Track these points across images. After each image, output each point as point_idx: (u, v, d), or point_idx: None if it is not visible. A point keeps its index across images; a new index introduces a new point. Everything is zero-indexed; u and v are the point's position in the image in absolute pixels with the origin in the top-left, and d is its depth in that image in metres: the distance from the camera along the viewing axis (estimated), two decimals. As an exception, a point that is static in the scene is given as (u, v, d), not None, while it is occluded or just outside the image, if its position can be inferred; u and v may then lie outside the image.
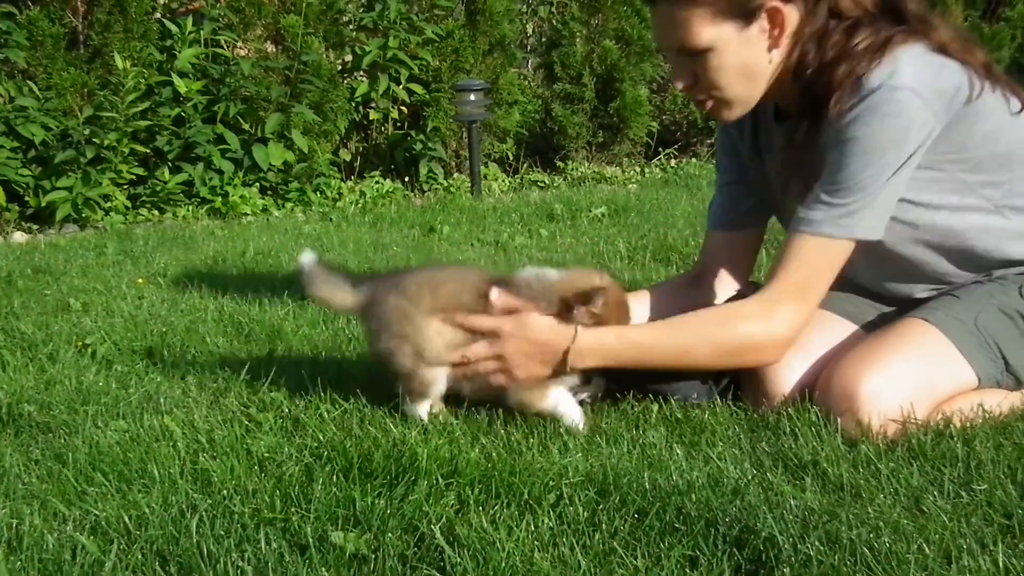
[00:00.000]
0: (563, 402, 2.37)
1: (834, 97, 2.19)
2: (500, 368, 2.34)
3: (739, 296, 2.55)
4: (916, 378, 2.25)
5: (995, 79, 2.28)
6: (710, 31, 2.24)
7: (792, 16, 2.24)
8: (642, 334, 2.39)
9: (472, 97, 6.84)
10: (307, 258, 2.56)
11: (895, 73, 2.15)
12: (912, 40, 2.21)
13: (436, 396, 2.44)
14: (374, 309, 2.46)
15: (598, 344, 2.32)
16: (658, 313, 2.67)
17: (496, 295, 2.36)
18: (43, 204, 6.18)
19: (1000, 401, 2.31)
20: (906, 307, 2.45)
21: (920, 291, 2.47)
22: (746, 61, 2.28)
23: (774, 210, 2.69)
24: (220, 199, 6.55)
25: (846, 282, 2.62)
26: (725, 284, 2.77)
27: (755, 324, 2.30)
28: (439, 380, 2.41)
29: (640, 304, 2.69)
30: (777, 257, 2.33)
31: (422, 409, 2.42)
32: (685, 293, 2.76)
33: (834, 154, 2.22)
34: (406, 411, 2.41)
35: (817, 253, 2.27)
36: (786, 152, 2.40)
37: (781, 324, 2.29)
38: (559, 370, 2.33)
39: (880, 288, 2.52)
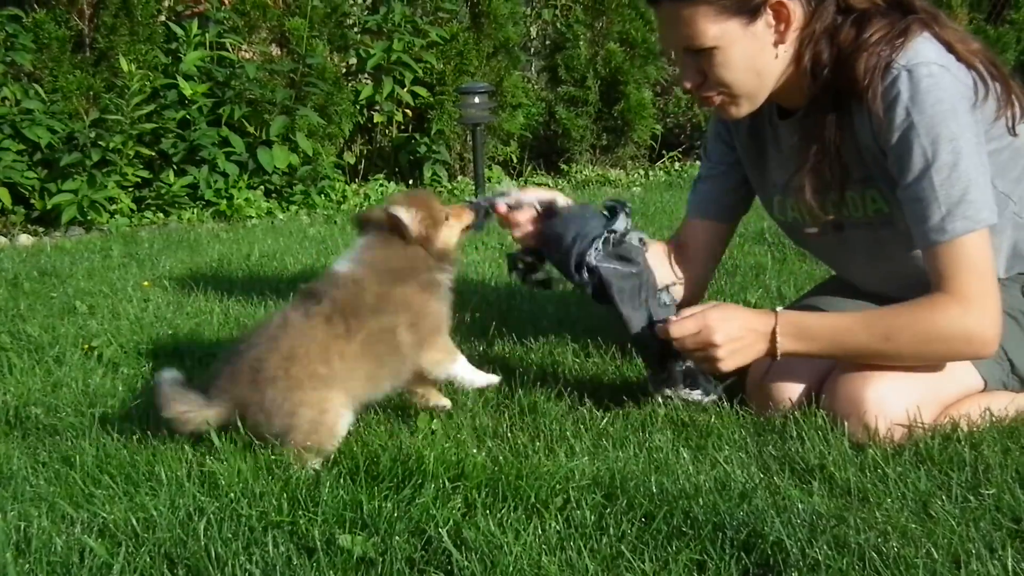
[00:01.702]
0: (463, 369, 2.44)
1: (867, 87, 2.18)
2: (707, 357, 2.29)
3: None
4: (922, 382, 2.25)
5: (1002, 80, 2.27)
6: (715, 28, 2.24)
7: (797, 11, 2.24)
8: (841, 318, 2.32)
9: (476, 100, 6.84)
10: (166, 376, 2.33)
11: (920, 52, 2.17)
12: (927, 30, 2.22)
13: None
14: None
15: (799, 323, 2.29)
16: None
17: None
18: (49, 207, 6.20)
19: (1007, 404, 2.31)
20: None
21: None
22: (753, 57, 2.27)
23: (767, 209, 2.68)
24: (225, 202, 6.56)
25: (849, 286, 2.62)
26: (695, 268, 2.78)
27: (959, 314, 2.17)
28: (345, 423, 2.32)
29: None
30: (935, 274, 2.20)
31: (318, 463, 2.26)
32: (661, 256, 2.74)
33: (899, 151, 2.19)
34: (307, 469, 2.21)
35: (965, 254, 2.17)
36: (802, 146, 2.38)
37: (985, 315, 2.18)
38: (768, 353, 2.31)
39: (884, 291, 2.51)
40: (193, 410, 2.27)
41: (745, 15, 2.23)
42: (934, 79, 2.14)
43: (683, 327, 2.28)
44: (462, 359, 2.47)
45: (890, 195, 2.29)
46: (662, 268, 2.66)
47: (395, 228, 2.37)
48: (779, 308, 2.33)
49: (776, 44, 2.28)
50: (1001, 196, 2.29)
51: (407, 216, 2.36)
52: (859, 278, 2.56)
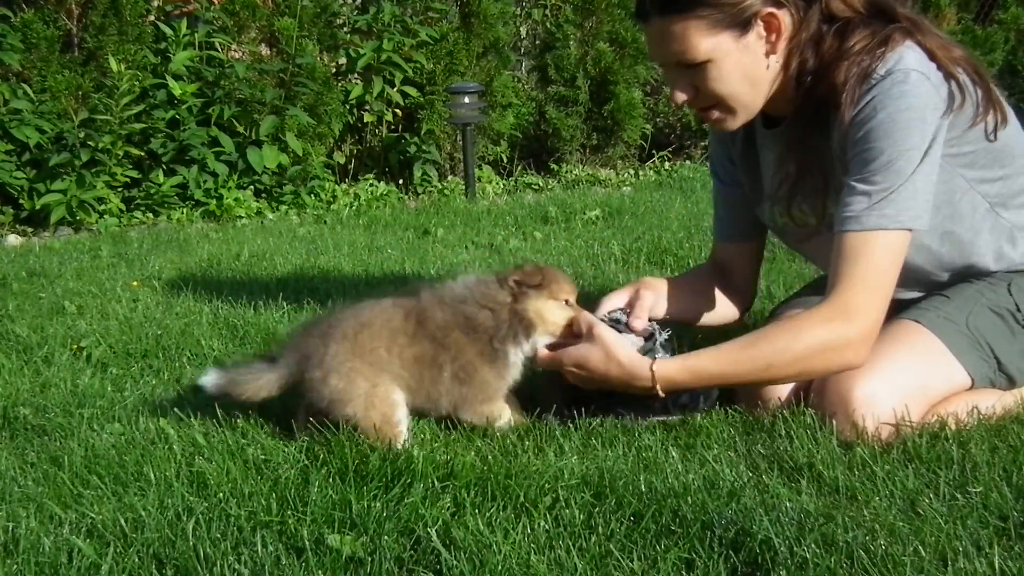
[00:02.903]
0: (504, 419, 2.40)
1: (844, 95, 2.19)
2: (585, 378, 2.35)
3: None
4: (910, 380, 2.26)
5: (983, 87, 2.27)
6: (708, 42, 2.23)
7: (787, 20, 2.25)
8: (716, 360, 2.28)
9: (466, 100, 6.84)
10: (210, 377, 2.39)
11: (902, 59, 2.17)
12: (909, 38, 2.22)
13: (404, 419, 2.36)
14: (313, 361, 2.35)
15: (677, 377, 2.28)
16: (679, 305, 2.69)
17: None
18: (38, 207, 6.17)
19: (994, 402, 2.32)
20: (897, 308, 2.45)
21: (912, 294, 2.48)
22: (746, 69, 2.28)
23: (759, 215, 2.68)
24: (214, 202, 6.54)
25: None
26: (736, 284, 2.80)
27: (828, 327, 2.20)
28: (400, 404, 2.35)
29: (656, 294, 2.64)
30: (833, 261, 2.24)
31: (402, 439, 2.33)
32: (703, 291, 2.78)
33: (859, 146, 2.20)
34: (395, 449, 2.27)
35: (871, 248, 2.19)
36: (786, 157, 2.40)
37: (855, 322, 2.19)
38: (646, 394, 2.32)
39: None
40: (256, 376, 2.37)
41: (737, 28, 2.23)
42: (909, 85, 2.15)
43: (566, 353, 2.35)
44: (503, 423, 2.41)
45: None
46: (660, 304, 2.65)
47: (503, 279, 2.39)
48: (655, 366, 2.27)
49: (768, 55, 2.28)
50: (971, 191, 2.33)
51: (525, 276, 2.37)
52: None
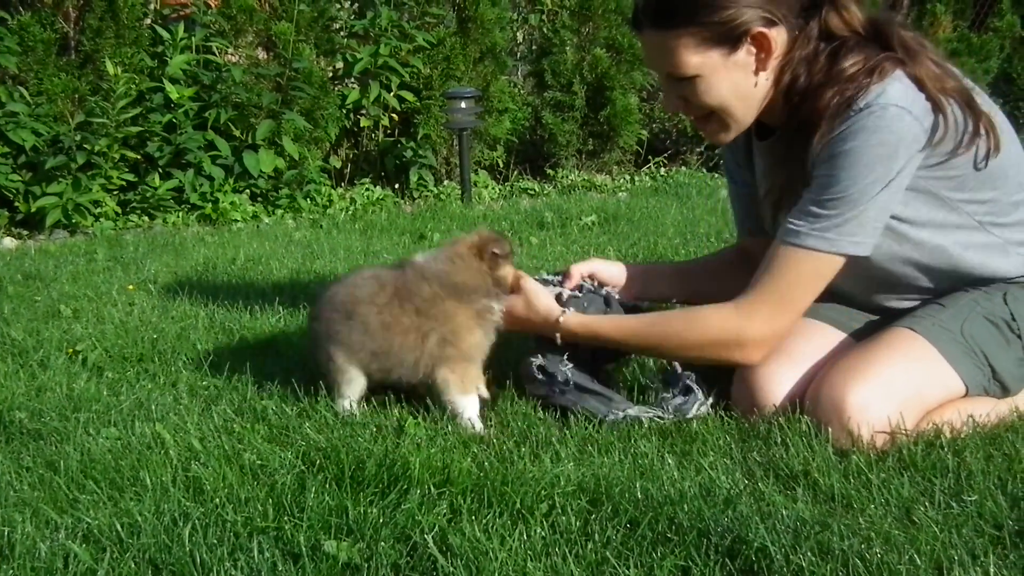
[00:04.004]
0: (470, 408, 2.53)
1: (823, 121, 2.22)
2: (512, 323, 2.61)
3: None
4: (904, 388, 2.26)
5: (975, 118, 2.28)
6: (696, 59, 2.27)
7: (779, 38, 2.26)
8: (617, 327, 2.52)
9: (463, 105, 6.84)
10: None
11: (884, 93, 2.17)
12: (899, 68, 2.22)
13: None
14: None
15: (572, 330, 2.54)
16: (691, 288, 2.86)
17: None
18: (33, 210, 6.16)
19: (989, 410, 2.33)
20: (892, 316, 2.46)
21: (906, 303, 2.48)
22: (734, 85, 2.31)
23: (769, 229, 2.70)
24: (210, 205, 6.53)
25: (831, 292, 2.64)
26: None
27: (725, 324, 2.34)
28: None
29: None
30: (761, 266, 2.34)
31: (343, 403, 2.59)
32: (720, 272, 2.88)
33: (823, 168, 2.23)
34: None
35: (800, 265, 2.28)
36: (774, 170, 2.43)
37: (752, 326, 2.32)
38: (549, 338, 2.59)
39: (866, 299, 2.54)
40: None
41: (726, 45, 2.26)
42: (885, 120, 2.16)
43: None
44: (474, 399, 2.53)
45: None
46: (609, 275, 2.85)
47: (480, 250, 2.60)
48: (563, 317, 2.55)
49: (757, 72, 2.31)
50: (959, 210, 2.33)
51: (499, 247, 2.60)
52: (849, 290, 2.57)
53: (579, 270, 2.79)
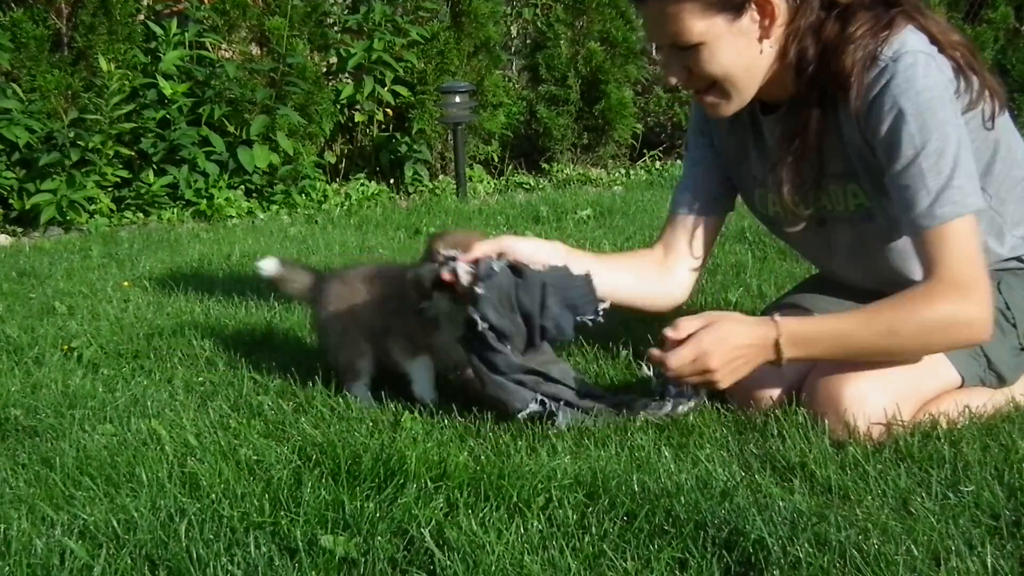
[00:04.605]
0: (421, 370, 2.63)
1: (852, 79, 2.20)
2: (706, 381, 2.26)
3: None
4: (900, 379, 2.26)
5: (979, 74, 2.28)
6: (700, 25, 2.24)
7: (781, 6, 2.25)
8: (841, 320, 2.27)
9: (457, 99, 6.84)
10: (269, 264, 2.94)
11: (906, 42, 2.19)
12: (912, 22, 2.24)
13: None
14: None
15: (801, 332, 2.25)
16: (620, 286, 2.61)
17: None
18: (27, 207, 6.16)
19: (985, 401, 2.33)
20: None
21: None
22: (739, 53, 2.28)
23: (748, 204, 2.69)
24: (205, 201, 6.53)
25: (827, 281, 2.64)
26: (685, 267, 2.72)
27: (955, 302, 2.16)
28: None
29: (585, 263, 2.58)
30: (922, 259, 2.22)
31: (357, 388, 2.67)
32: (653, 271, 2.71)
33: (887, 139, 2.19)
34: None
35: (954, 233, 2.16)
36: (782, 143, 2.39)
37: (972, 298, 2.16)
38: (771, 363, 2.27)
39: (866, 287, 2.52)
40: (299, 278, 2.94)
41: (730, 11, 2.24)
42: (921, 67, 2.16)
43: (679, 357, 2.21)
44: (424, 359, 2.62)
45: (872, 191, 2.31)
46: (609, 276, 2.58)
47: None
48: (777, 317, 2.26)
49: (761, 39, 2.29)
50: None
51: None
52: (841, 273, 2.58)
53: (484, 248, 2.47)
